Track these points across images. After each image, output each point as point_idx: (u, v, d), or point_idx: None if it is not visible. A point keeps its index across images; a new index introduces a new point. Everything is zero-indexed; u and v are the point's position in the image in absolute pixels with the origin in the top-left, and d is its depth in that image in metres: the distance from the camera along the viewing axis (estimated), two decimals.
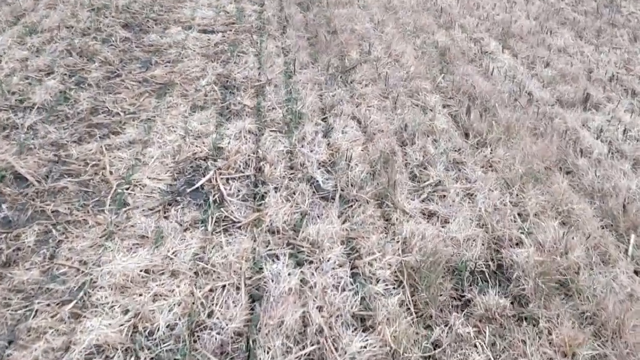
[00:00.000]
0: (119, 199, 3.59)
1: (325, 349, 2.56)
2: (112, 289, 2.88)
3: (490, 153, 4.34)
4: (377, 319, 2.72)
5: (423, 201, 3.73)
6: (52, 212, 3.48)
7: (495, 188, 3.88)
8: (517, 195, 3.82)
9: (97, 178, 3.84)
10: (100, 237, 3.27)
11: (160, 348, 2.56)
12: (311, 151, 4.23)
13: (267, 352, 2.53)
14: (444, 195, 3.80)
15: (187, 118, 4.67)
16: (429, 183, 3.93)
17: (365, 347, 2.56)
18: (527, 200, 3.74)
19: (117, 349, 2.55)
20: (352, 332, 2.66)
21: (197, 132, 4.45)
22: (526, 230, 3.46)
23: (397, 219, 3.49)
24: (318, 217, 3.47)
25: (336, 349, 2.56)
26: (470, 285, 3.04)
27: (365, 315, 2.78)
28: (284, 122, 4.67)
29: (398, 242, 3.27)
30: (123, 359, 2.50)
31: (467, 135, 4.67)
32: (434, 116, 4.85)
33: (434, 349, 2.61)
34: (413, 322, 2.74)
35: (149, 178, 3.84)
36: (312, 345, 2.59)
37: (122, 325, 2.67)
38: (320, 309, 2.78)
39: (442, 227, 3.46)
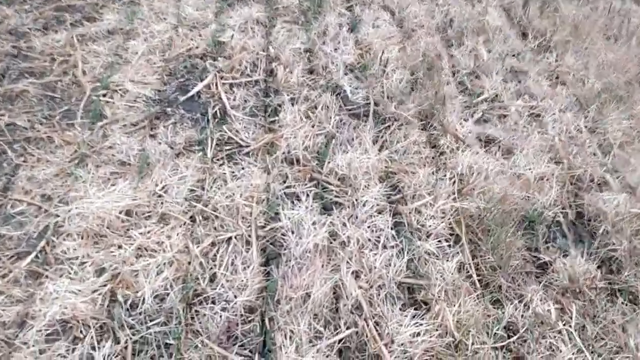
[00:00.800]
0: (93, 110, 2.81)
1: (366, 335, 1.93)
2: (82, 238, 2.20)
3: (557, 61, 3.50)
4: (432, 292, 2.07)
5: (478, 122, 2.96)
6: (8, 125, 2.70)
7: (567, 108, 3.10)
8: (594, 118, 3.05)
9: (67, 79, 3.02)
10: (69, 162, 2.53)
11: (147, 327, 1.92)
12: (335, 50, 3.38)
13: (289, 338, 1.90)
14: (504, 115, 3.03)
15: (180, 1, 3.74)
16: (484, 98, 3.13)
17: (418, 333, 1.93)
18: (607, 126, 2.98)
19: (89, 327, 1.91)
20: (400, 310, 2.02)
21: (193, 21, 3.55)
22: (610, 166, 2.74)
23: (447, 147, 2.75)
24: (348, 142, 2.71)
25: (380, 336, 1.93)
26: (547, 242, 2.37)
27: (414, 285, 2.12)
28: (300, 11, 3.76)
29: (452, 180, 2.55)
30: (96, 341, 1.87)
31: (525, 35, 3.79)
32: (484, 9, 3.92)
33: (508, 337, 1.99)
34: (479, 298, 2.09)
35: (132, 81, 3.02)
36: (348, 328, 1.96)
37: (95, 291, 2.02)
38: (356, 275, 2.12)
39: (505, 159, 2.73)
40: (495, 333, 1.96)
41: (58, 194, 2.38)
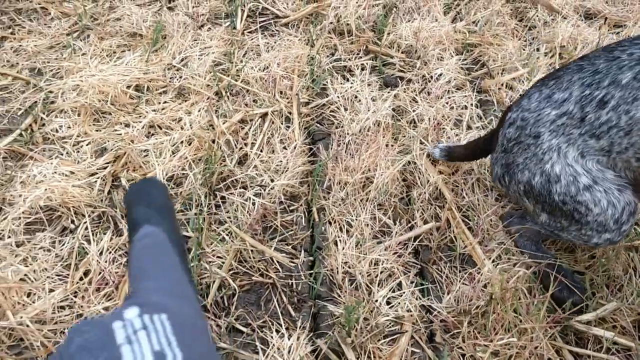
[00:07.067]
0: None
1: (452, 231, 1.42)
2: (79, 115, 1.73)
3: None
4: None
5: None
6: None
7: None
8: None
9: None
10: (66, 35, 2.05)
11: None
12: None
13: (347, 232, 1.40)
14: None
15: None
16: None
17: None
18: None
19: (83, 215, 1.44)
20: (496, 200, 1.49)
21: None
22: None
23: (539, 20, 2.16)
24: (410, 12, 2.15)
25: (472, 231, 1.41)
26: None
27: None
28: None
29: (551, 53, 1.98)
30: (92, 233, 1.40)
31: None
32: None
33: None
34: None
35: None
36: (426, 223, 1.44)
37: (93, 174, 1.55)
38: (434, 159, 1.59)
39: (614, 33, 2.13)
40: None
41: (51, 67, 1.90)
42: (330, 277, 1.32)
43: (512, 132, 1.26)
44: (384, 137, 1.61)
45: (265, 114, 1.72)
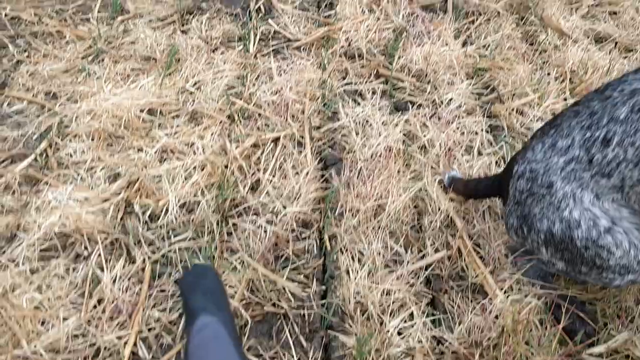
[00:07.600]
0: (113, 3, 2.34)
1: (463, 260, 1.42)
2: (93, 139, 1.75)
3: None
4: None
5: (584, 17, 2.36)
6: (12, 19, 2.27)
7: None
8: None
9: None
10: (81, 58, 2.08)
11: (170, 244, 1.46)
12: None
13: (358, 261, 1.40)
14: (614, 13, 2.42)
15: None
16: None
17: None
18: None
19: (95, 242, 1.45)
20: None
21: None
22: None
23: (550, 43, 2.17)
24: (423, 35, 2.17)
25: (483, 260, 1.41)
26: None
27: None
28: None
29: (561, 78, 1.99)
30: (105, 260, 1.41)
31: None
32: None
33: None
34: None
35: None
36: (437, 251, 1.44)
37: (106, 200, 1.56)
38: (445, 186, 1.60)
39: (625, 58, 2.14)
40: None
41: (66, 91, 1.93)
42: (342, 308, 1.32)
43: (523, 184, 1.26)
44: (395, 163, 1.61)
45: (278, 139, 1.73)
